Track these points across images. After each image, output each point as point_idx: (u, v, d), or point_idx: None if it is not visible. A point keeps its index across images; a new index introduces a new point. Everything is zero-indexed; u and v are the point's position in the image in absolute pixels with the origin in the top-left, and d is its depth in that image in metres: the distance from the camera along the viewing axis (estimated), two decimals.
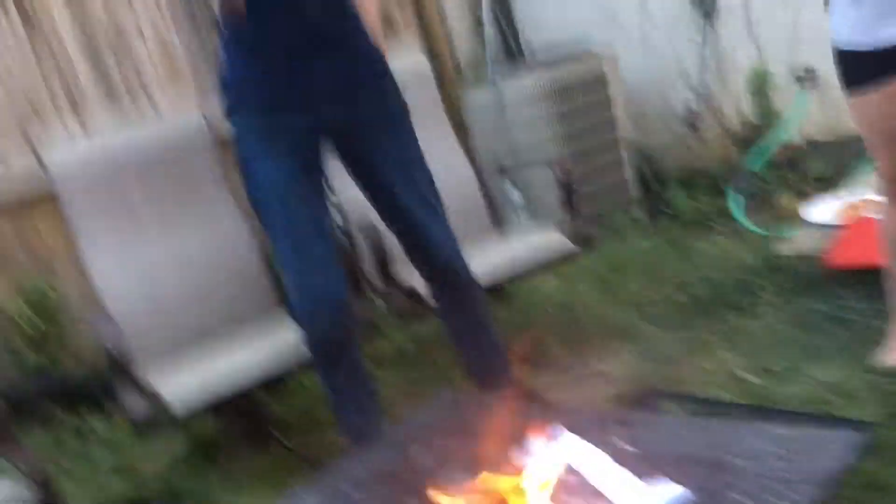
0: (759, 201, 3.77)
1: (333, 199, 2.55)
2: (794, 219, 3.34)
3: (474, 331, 2.33)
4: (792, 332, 2.60)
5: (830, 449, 1.36)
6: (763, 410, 2.13)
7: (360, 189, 2.27)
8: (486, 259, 2.72)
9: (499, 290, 3.02)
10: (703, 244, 3.55)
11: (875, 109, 2.06)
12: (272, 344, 2.47)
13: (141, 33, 3.55)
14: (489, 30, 4.29)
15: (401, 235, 2.29)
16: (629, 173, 4.13)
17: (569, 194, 3.15)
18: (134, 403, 2.37)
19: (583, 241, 3.05)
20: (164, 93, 3.57)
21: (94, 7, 3.44)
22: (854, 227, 2.86)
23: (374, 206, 2.28)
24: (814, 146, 3.82)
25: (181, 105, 3.52)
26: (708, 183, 4.02)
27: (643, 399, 2.28)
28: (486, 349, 2.32)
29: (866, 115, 2.09)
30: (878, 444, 1.83)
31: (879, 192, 2.22)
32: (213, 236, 2.81)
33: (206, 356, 2.52)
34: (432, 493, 1.41)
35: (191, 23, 3.61)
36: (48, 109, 3.33)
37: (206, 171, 2.83)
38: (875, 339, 2.34)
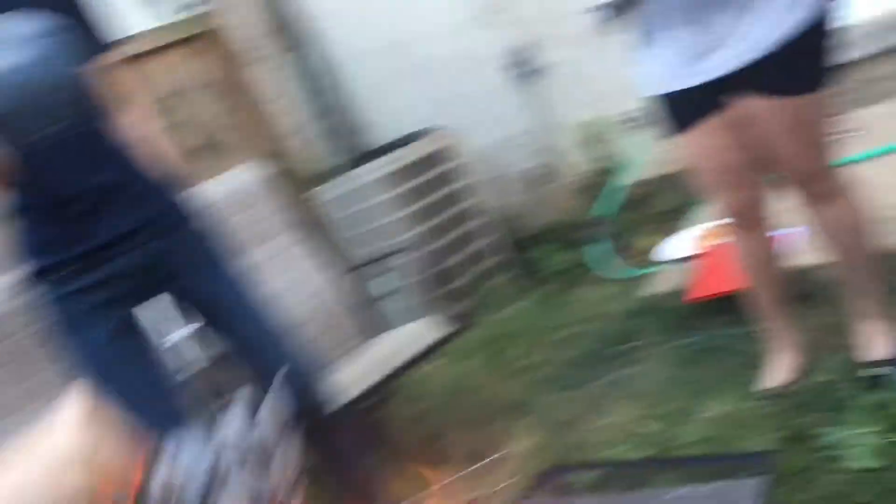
0: (619, 245, 3.86)
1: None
2: (654, 257, 3.43)
3: (335, 465, 2.18)
4: (676, 372, 2.63)
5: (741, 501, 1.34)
6: (668, 462, 2.12)
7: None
8: (362, 362, 2.64)
9: (383, 390, 2.92)
10: (576, 298, 3.59)
11: (702, 146, 2.11)
12: None
13: None
14: (327, 123, 4.28)
15: (250, 368, 2.15)
16: (492, 240, 4.16)
17: (435, 275, 3.12)
18: None
19: (459, 318, 3.02)
20: None
21: None
22: (709, 256, 2.94)
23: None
24: (660, 182, 3.95)
25: None
26: (570, 236, 4.09)
27: (548, 479, 2.22)
28: (349, 485, 2.18)
29: (696, 153, 2.15)
30: (782, 471, 1.84)
31: (727, 223, 2.27)
32: None
33: None
34: None
35: None
36: None
37: None
38: (753, 363, 2.39)
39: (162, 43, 3.87)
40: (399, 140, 4.10)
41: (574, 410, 2.67)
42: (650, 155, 3.81)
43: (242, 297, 2.11)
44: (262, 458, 1.03)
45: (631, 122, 3.91)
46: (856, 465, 1.88)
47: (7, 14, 1.82)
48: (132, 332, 2.03)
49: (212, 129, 4.00)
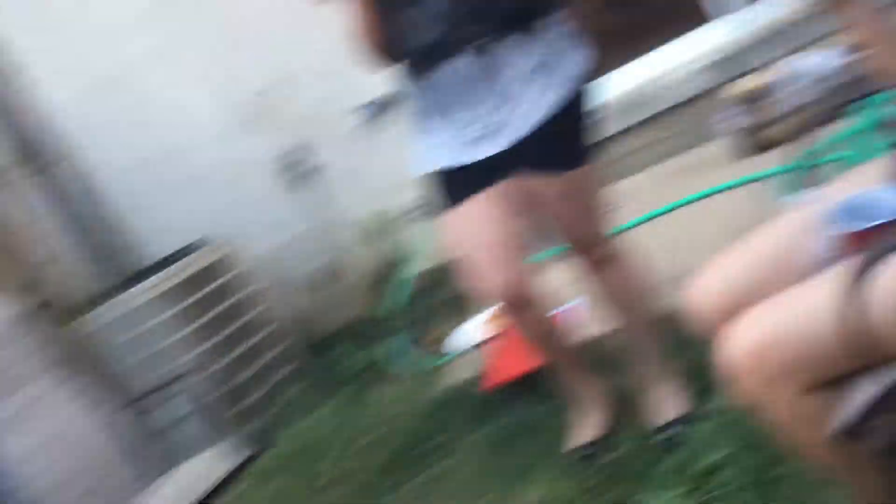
0: (414, 337, 3.82)
1: None
2: (447, 347, 3.40)
3: None
4: (491, 458, 2.58)
5: None
6: None
7: None
8: None
9: None
10: (378, 397, 3.47)
11: (471, 220, 2.10)
12: None
13: None
14: (89, 245, 3.96)
15: None
16: (282, 349, 3.98)
17: (226, 394, 2.91)
18: None
19: (258, 437, 2.82)
20: None
21: None
22: (500, 339, 2.93)
23: None
24: (447, 269, 3.97)
25: None
26: (364, 334, 3.99)
27: None
28: None
29: (463, 229, 2.12)
30: None
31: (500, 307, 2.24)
32: None
33: None
34: None
35: None
36: None
37: None
38: (561, 436, 2.39)
39: None
40: (172, 255, 3.86)
41: None
42: (433, 243, 3.85)
43: None
44: None
45: (410, 214, 3.94)
46: None
47: None
48: None
49: None
